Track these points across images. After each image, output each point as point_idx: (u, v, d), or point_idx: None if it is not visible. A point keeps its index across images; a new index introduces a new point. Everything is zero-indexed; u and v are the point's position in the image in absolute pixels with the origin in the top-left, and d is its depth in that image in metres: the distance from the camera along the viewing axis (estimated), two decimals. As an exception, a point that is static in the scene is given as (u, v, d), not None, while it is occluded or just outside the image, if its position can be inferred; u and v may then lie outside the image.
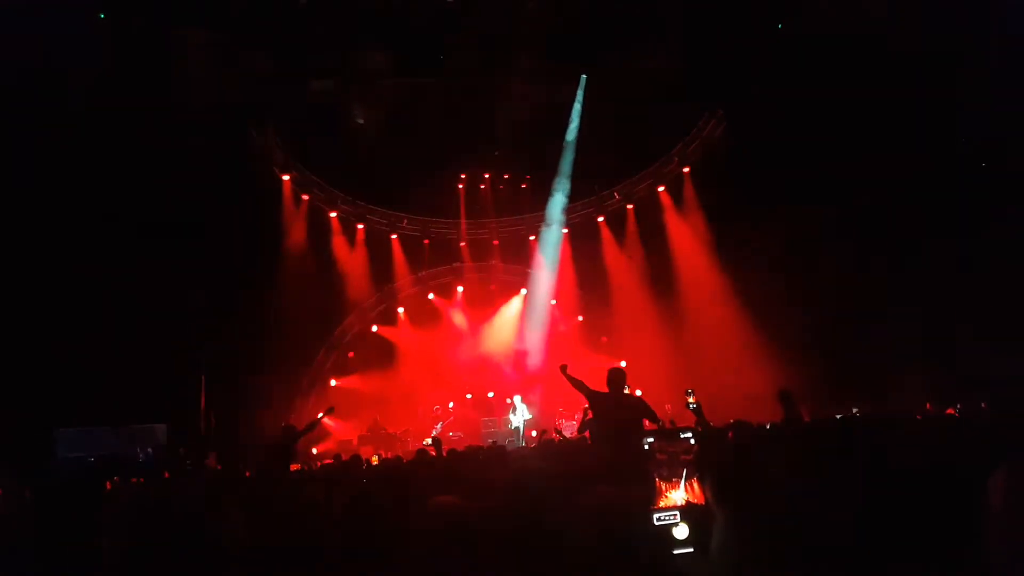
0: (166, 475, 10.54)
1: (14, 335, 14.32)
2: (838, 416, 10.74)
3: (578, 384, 7.79)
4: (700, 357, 17.93)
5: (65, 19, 14.45)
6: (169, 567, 2.68)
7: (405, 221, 20.62)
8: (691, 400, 13.45)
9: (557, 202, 20.57)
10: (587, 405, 7.92)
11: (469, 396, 19.98)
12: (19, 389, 14.17)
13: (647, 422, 7.57)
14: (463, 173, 20.96)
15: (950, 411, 10.72)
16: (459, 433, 18.01)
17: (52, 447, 14.98)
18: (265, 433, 16.19)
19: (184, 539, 2.76)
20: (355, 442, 17.44)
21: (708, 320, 18.41)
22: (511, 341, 20.58)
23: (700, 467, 3.33)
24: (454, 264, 21.34)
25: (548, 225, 20.80)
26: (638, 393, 16.80)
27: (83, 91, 14.74)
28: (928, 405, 12.26)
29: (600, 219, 21.08)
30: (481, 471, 4.95)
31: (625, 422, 7.18)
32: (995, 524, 1.90)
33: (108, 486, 7.97)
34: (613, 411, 7.36)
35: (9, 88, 13.75)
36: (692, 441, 4.13)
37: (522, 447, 13.66)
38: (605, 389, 7.65)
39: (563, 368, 8.06)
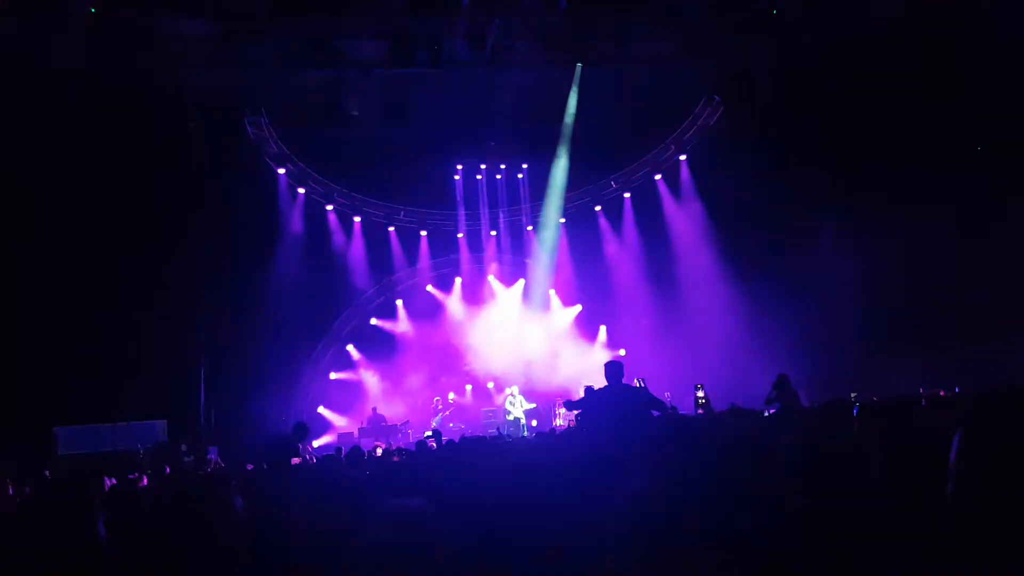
0: (167, 470, 10.54)
1: (12, 333, 14.29)
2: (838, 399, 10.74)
3: (579, 404, 7.76)
4: (699, 344, 17.98)
5: (54, 13, 14.37)
6: (171, 562, 2.66)
7: (402, 213, 20.55)
8: (700, 395, 13.52)
9: (554, 191, 20.51)
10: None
11: (469, 387, 19.99)
12: (18, 387, 14.16)
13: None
14: (459, 164, 20.88)
15: (942, 393, 10.77)
16: (459, 424, 18.03)
17: (52, 445, 14.96)
18: (265, 427, 16.24)
19: (186, 533, 2.74)
20: (355, 434, 17.45)
21: (707, 307, 18.43)
22: (509, 332, 20.53)
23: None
24: (452, 255, 21.29)
25: (545, 215, 20.75)
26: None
27: (74, 85, 14.65)
28: (921, 390, 12.32)
29: (597, 208, 21.04)
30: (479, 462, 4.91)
31: (628, 412, 7.07)
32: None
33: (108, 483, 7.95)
34: (614, 402, 7.21)
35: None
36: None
37: (523, 438, 13.68)
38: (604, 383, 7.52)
39: (565, 404, 8.13)
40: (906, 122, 15.80)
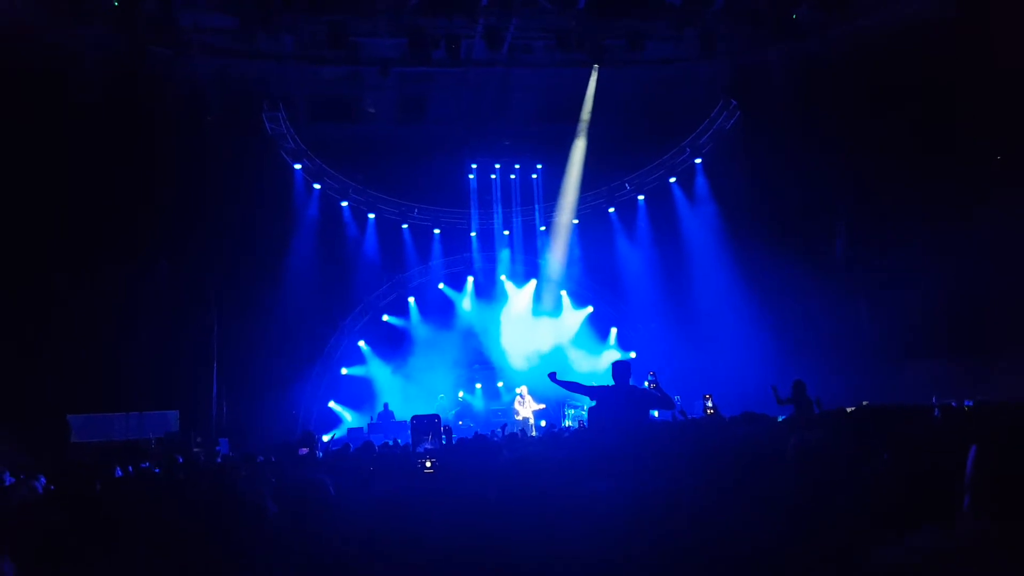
0: (180, 460, 10.62)
1: (27, 323, 14.43)
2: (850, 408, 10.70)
3: (573, 386, 7.54)
4: (712, 348, 17.95)
5: (76, 5, 14.49)
6: (184, 549, 2.71)
7: (416, 211, 20.61)
8: (709, 404, 13.51)
9: (568, 192, 20.50)
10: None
11: (479, 385, 20.02)
12: (32, 375, 14.30)
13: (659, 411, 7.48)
14: (474, 163, 20.92)
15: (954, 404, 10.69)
16: (468, 422, 18.06)
17: (66, 433, 15.11)
18: (276, 420, 16.37)
19: (198, 521, 2.78)
20: (365, 430, 17.52)
21: (720, 311, 18.40)
22: (520, 332, 20.57)
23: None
24: (464, 254, 21.33)
25: (558, 215, 20.76)
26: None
27: (93, 78, 14.77)
28: (933, 400, 12.22)
29: (611, 210, 21.02)
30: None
31: (633, 412, 7.03)
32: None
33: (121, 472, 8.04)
34: (619, 403, 7.14)
35: (19, 78, 13.78)
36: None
37: (531, 437, 13.68)
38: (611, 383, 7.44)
39: (552, 376, 7.75)
40: (925, 126, 15.66)
